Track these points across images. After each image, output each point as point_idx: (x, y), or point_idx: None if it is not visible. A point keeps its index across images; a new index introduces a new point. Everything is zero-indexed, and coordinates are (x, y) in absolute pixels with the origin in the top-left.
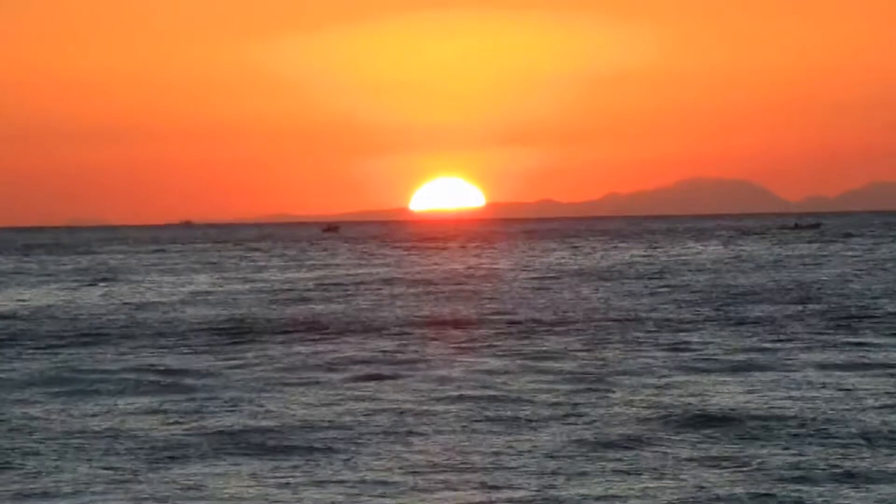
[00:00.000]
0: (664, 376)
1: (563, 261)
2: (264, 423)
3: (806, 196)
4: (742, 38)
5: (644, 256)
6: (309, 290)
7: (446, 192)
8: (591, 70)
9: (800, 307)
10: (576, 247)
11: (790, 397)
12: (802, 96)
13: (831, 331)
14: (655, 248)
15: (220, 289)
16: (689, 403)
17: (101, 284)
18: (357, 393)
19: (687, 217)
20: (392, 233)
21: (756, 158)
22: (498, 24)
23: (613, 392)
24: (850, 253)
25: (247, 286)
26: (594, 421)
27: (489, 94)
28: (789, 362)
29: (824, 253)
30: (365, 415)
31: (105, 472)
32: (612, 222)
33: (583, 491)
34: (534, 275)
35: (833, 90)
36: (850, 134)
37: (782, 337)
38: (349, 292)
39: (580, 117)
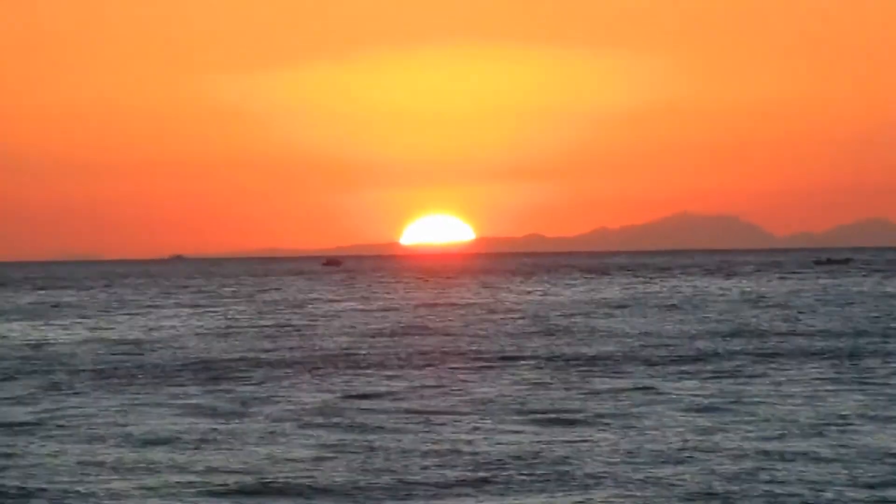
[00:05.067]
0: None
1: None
2: None
3: (793, 232)
4: (730, 75)
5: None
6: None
7: (436, 227)
8: (580, 106)
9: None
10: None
11: None
12: (791, 132)
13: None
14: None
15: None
16: None
17: None
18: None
19: (686, 251)
20: (390, 266)
21: (744, 194)
22: (486, 59)
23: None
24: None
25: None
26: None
27: (479, 129)
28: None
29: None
30: None
31: None
32: (596, 258)
33: None
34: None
35: (822, 126)
36: (839, 170)
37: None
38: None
39: (569, 152)
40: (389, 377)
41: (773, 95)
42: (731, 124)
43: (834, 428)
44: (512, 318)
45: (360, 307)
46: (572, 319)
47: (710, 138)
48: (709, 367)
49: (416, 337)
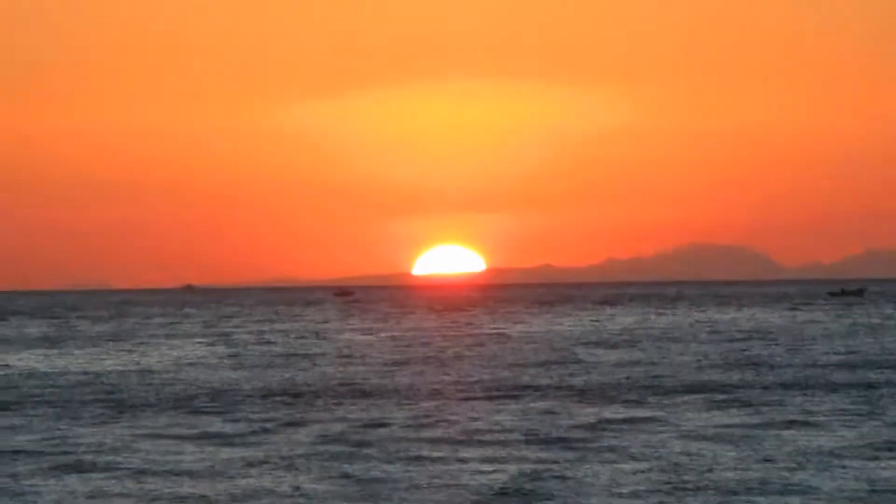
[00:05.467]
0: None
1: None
2: None
3: (803, 263)
4: (739, 101)
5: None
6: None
7: (447, 258)
8: (591, 132)
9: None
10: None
11: None
12: (800, 160)
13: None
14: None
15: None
16: None
17: None
18: None
19: (700, 282)
20: (402, 296)
21: (754, 224)
22: (495, 89)
23: None
24: None
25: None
26: None
27: (489, 159)
28: None
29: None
30: None
31: None
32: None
33: None
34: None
35: (832, 154)
36: (849, 199)
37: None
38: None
39: (578, 181)
40: (404, 406)
41: (784, 122)
42: (743, 152)
43: (855, 460)
44: (526, 347)
45: (373, 337)
46: (585, 349)
47: (720, 166)
48: (724, 398)
49: (431, 367)
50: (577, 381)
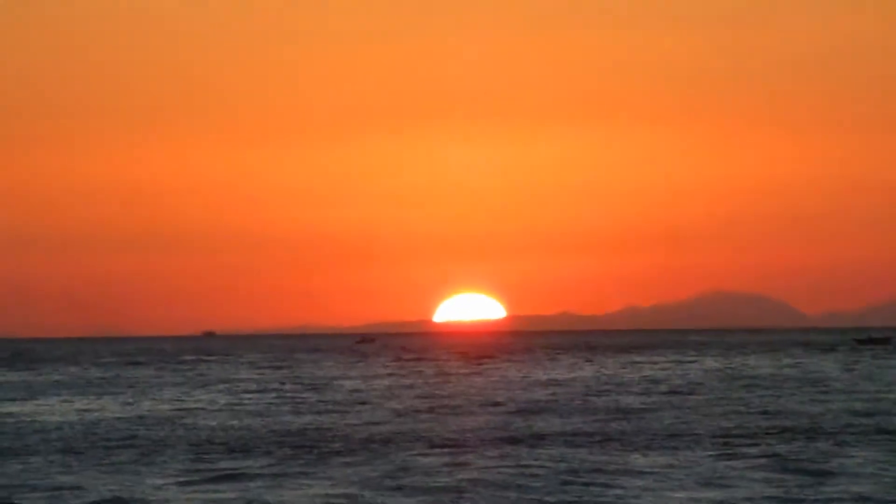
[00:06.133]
0: None
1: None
2: None
3: (825, 311)
4: (760, 150)
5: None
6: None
7: (468, 305)
8: (611, 178)
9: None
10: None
11: None
12: (822, 209)
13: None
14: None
15: None
16: None
17: None
18: None
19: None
20: (424, 344)
21: (776, 272)
22: (513, 135)
23: None
24: None
25: None
26: None
27: (508, 206)
28: None
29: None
30: None
31: None
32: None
33: None
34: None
35: (854, 203)
36: (872, 248)
37: None
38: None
39: (598, 229)
40: (430, 452)
41: (806, 172)
42: (764, 201)
43: None
44: (549, 393)
45: (395, 383)
46: (607, 396)
47: (741, 215)
48: (748, 445)
49: (455, 413)
50: (601, 428)
